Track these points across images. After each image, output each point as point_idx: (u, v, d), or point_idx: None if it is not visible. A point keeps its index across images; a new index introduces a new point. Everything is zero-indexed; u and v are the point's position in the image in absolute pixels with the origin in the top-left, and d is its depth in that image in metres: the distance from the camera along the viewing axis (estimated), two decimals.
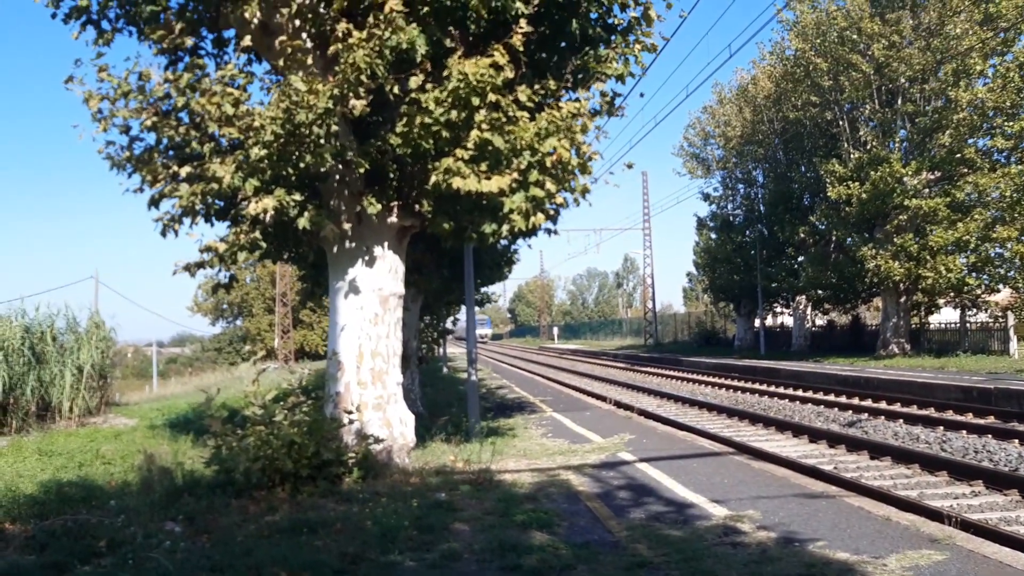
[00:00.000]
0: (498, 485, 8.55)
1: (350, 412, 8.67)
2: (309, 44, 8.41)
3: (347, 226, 8.89)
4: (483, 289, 26.02)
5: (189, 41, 8.47)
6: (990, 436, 12.69)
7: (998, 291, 28.57)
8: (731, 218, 44.79)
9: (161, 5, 8.28)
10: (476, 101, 8.13)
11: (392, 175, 9.19)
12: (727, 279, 42.78)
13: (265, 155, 7.62)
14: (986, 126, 26.24)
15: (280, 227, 8.51)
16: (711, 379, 27.47)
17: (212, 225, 8.96)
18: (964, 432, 13.25)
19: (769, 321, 46.37)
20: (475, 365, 14.03)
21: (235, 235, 8.18)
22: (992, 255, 26.50)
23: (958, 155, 26.16)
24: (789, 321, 44.07)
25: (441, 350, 35.25)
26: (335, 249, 9.16)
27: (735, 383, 25.25)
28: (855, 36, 27.61)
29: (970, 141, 26.42)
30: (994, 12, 25.28)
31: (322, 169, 8.22)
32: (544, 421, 15.31)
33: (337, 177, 8.90)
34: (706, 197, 45.92)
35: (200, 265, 8.53)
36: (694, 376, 29.18)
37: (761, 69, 38.56)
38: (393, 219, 9.37)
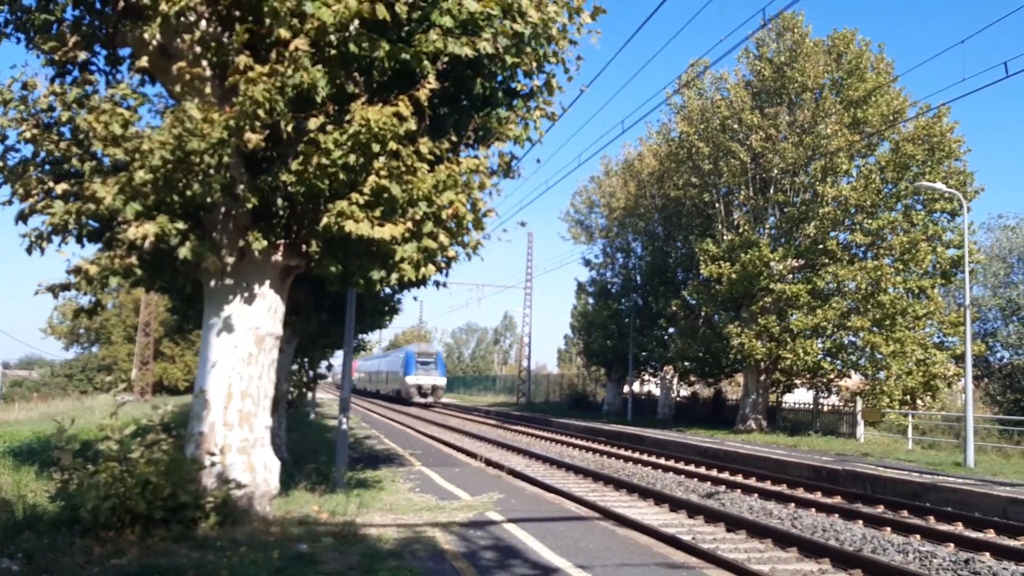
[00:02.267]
0: (363, 539, 8.33)
1: (213, 454, 8.28)
2: (208, 72, 8.23)
3: (230, 260, 8.62)
4: (360, 336, 25.67)
5: (81, 55, 8.13)
6: (837, 515, 13.33)
7: (849, 376, 30.38)
8: (609, 285, 46.01)
9: (56, 16, 7.94)
10: (376, 147, 8.12)
11: (282, 213, 9.02)
12: (601, 344, 43.74)
13: (150, 179, 7.34)
14: (848, 221, 28.18)
15: (158, 255, 8.16)
16: (580, 441, 27.83)
17: (83, 246, 8.50)
18: (814, 510, 13.88)
19: (637, 388, 47.55)
20: (347, 413, 13.72)
21: (109, 259, 7.79)
22: (846, 342, 28.21)
23: (821, 246, 27.94)
24: (656, 390, 45.35)
25: (311, 395, 34.32)
26: (213, 283, 8.85)
27: (602, 447, 25.65)
28: (736, 126, 29.25)
29: (832, 234, 28.29)
30: (861, 117, 27.43)
31: (209, 200, 7.97)
32: (413, 475, 15.07)
33: (224, 209, 8.65)
34: (587, 263, 47.13)
35: (66, 287, 8.07)
36: (563, 438, 29.48)
37: (647, 147, 40.22)
38: (278, 257, 9.15)
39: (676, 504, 13.86)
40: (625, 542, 8.82)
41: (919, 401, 27.49)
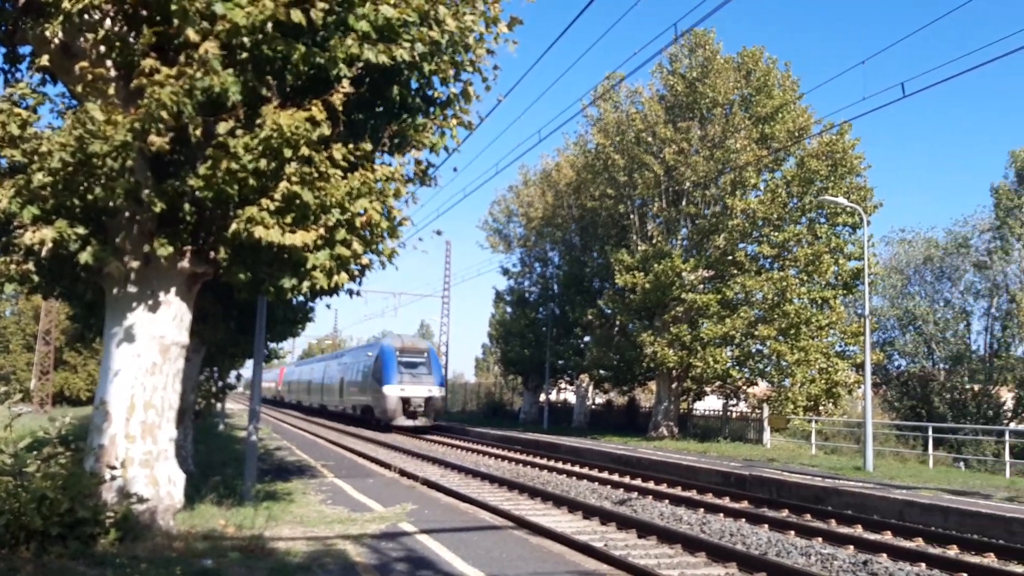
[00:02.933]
0: (271, 553, 8.14)
1: (113, 467, 7.98)
2: (113, 73, 7.96)
3: (134, 265, 8.33)
4: (272, 345, 25.11)
5: None
6: (744, 520, 13.70)
7: (756, 384, 31.30)
8: (527, 294, 46.28)
9: None
10: (288, 153, 7.99)
11: (189, 218, 8.76)
12: (518, 353, 43.93)
13: (50, 182, 7.05)
14: (755, 233, 29.08)
15: (57, 260, 7.84)
16: (495, 450, 27.86)
17: None
18: (722, 515, 14.22)
19: (553, 396, 47.94)
20: (257, 423, 13.41)
21: (5, 264, 7.44)
22: (753, 351, 29.07)
23: (730, 257, 28.75)
24: (572, 398, 45.78)
25: (220, 405, 33.38)
26: (116, 290, 8.54)
27: (518, 455, 25.73)
28: (650, 139, 29.87)
29: (741, 245, 29.16)
30: (769, 133, 28.38)
31: (112, 204, 7.71)
32: (324, 487, 14.82)
33: (128, 214, 8.36)
34: (505, 272, 47.29)
35: None
36: (479, 447, 29.45)
37: (565, 158, 40.70)
38: (185, 264, 8.89)
39: (589, 511, 14.01)
40: (538, 551, 8.87)
41: (822, 408, 28.51)
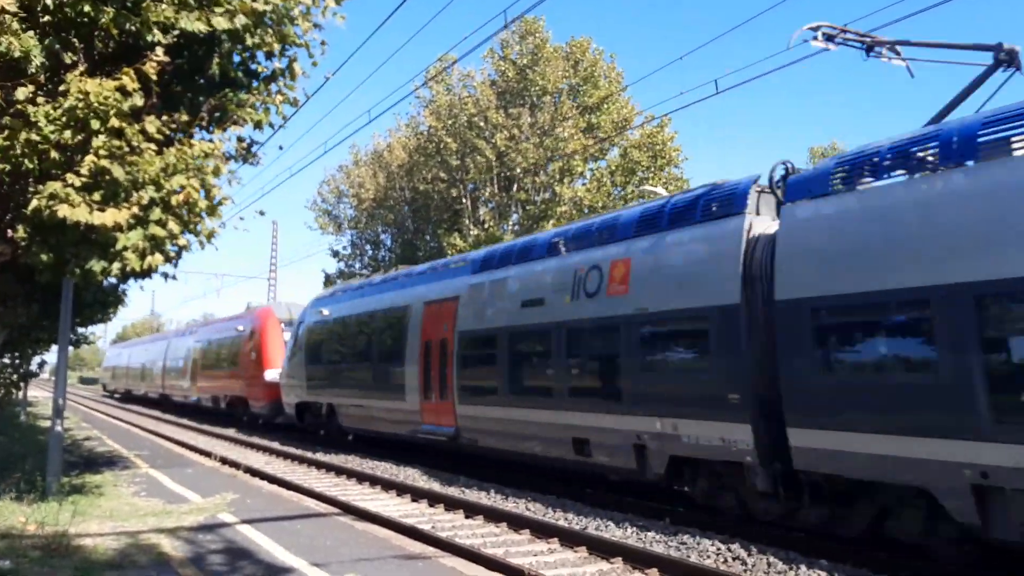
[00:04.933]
0: (77, 551, 7.66)
1: None
2: None
3: None
4: (81, 329, 23.44)
5: None
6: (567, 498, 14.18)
7: None
8: (358, 277, 45.63)
9: None
10: (96, 124, 7.49)
11: None
12: None
13: None
14: None
15: None
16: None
17: None
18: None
19: None
20: (62, 414, 12.50)
21: None
22: None
23: None
24: None
25: (22, 394, 30.83)
26: None
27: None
28: (482, 123, 30.20)
29: None
30: (595, 123, 29.40)
31: None
32: (138, 478, 14.05)
33: None
34: (335, 254, 46.40)
35: None
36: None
37: (397, 139, 40.35)
38: None
39: (417, 494, 14.06)
40: (363, 536, 8.82)
41: None
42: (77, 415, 37.51)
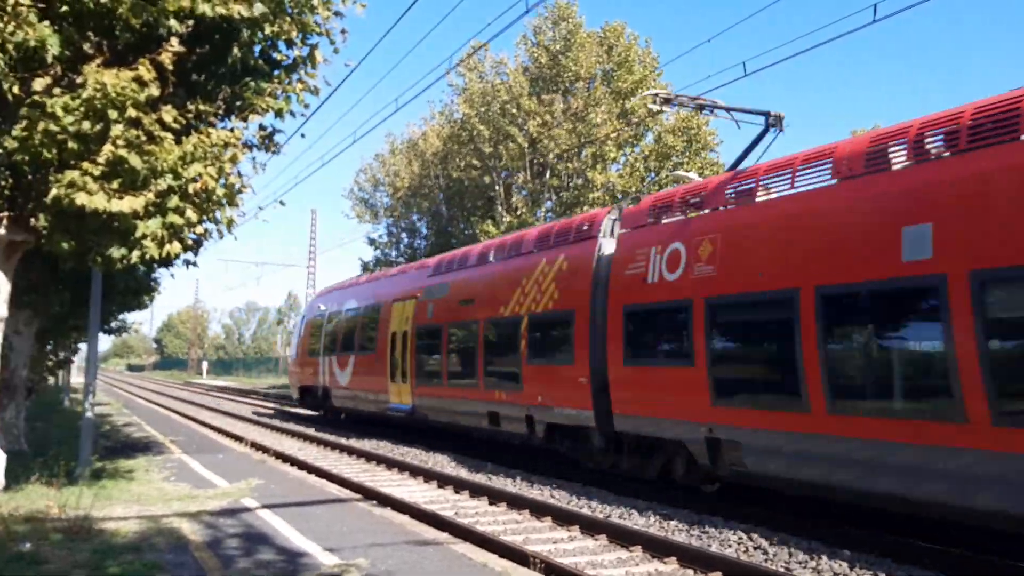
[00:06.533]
0: (99, 534, 7.81)
1: None
2: None
3: None
4: (121, 316, 23.90)
5: None
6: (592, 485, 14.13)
7: None
8: (394, 265, 45.86)
9: None
10: (114, 115, 7.54)
11: (4, 183, 8.19)
12: None
13: None
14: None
15: None
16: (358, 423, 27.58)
17: None
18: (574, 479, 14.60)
19: None
20: (92, 398, 12.75)
21: None
22: None
23: None
24: None
25: (62, 379, 31.57)
26: None
27: (379, 427, 25.58)
28: (514, 110, 30.04)
29: None
30: (629, 108, 29.06)
31: None
32: (170, 463, 14.30)
33: None
34: (372, 242, 46.67)
35: None
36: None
37: (431, 127, 40.36)
38: (1, 231, 8.31)
39: (444, 480, 14.11)
40: (380, 522, 8.86)
41: None
42: (119, 401, 38.35)
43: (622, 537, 9.67)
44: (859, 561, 8.36)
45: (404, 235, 45.85)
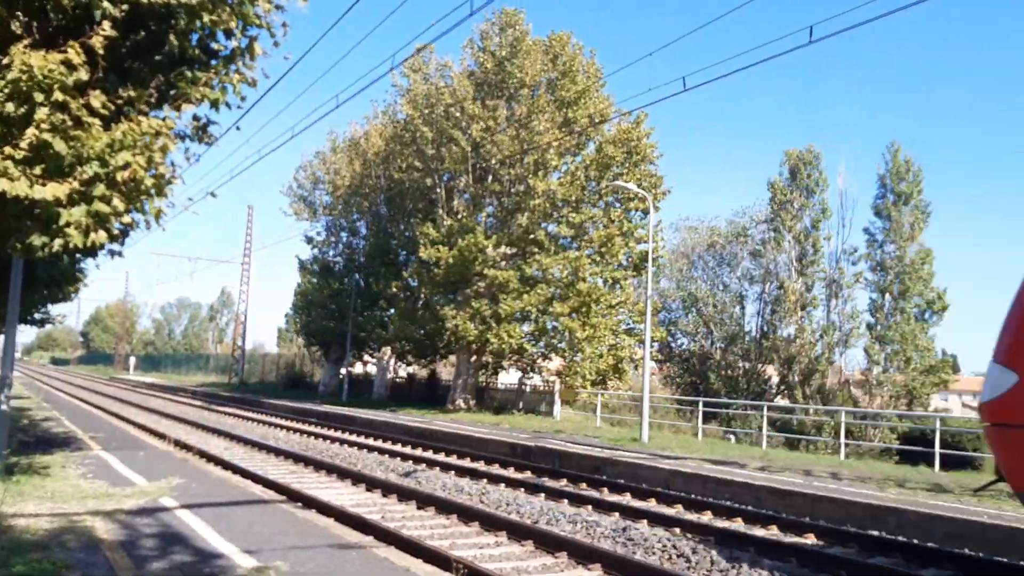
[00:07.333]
0: (7, 531, 7.51)
1: None
2: None
3: None
4: (44, 308, 23.06)
5: None
6: (523, 490, 14.17)
7: (551, 359, 32.42)
8: (332, 264, 45.31)
9: None
10: (40, 97, 7.31)
11: None
12: (320, 324, 43.02)
13: None
14: (555, 214, 29.99)
15: None
16: (288, 423, 27.22)
17: None
18: (503, 485, 14.63)
19: (358, 369, 47.42)
20: (7, 392, 12.26)
21: None
22: (548, 326, 30.05)
23: (531, 236, 29.48)
24: (375, 370, 45.49)
25: None
26: None
27: (311, 428, 25.29)
28: (458, 114, 29.96)
29: (542, 225, 29.97)
30: (572, 117, 29.26)
31: None
32: (89, 460, 13.84)
33: None
34: (309, 240, 46.07)
35: None
36: (272, 419, 28.64)
37: (374, 127, 40.01)
38: None
39: (372, 484, 13.97)
40: (303, 524, 8.72)
41: (609, 382, 29.98)
42: (39, 395, 37.09)
43: (548, 543, 9.70)
44: (779, 571, 8.54)
45: (343, 234, 45.37)
